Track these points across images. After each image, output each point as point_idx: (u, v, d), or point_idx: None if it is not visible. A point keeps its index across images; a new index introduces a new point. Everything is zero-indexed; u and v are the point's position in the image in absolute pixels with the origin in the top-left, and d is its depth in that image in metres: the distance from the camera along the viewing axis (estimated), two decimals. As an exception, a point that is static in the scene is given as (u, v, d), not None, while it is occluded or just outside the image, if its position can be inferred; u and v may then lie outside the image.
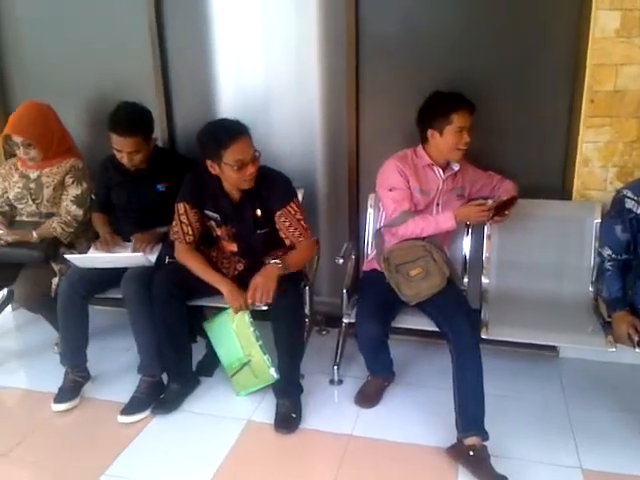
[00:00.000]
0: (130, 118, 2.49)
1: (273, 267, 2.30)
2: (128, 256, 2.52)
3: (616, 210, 2.30)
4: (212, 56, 2.96)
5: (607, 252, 2.31)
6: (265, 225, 2.41)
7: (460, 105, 2.32)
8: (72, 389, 2.50)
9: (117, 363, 2.81)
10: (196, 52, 2.96)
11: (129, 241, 2.61)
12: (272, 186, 2.36)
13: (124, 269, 2.51)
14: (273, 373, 2.43)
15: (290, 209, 2.36)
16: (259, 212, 2.37)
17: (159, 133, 3.00)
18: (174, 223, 2.42)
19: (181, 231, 2.40)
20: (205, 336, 2.59)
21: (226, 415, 2.42)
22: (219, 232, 2.45)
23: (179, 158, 2.84)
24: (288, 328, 2.34)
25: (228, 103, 3.01)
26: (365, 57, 2.74)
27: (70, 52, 3.12)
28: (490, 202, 2.33)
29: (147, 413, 2.41)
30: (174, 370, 2.51)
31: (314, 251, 2.51)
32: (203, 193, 2.38)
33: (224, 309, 2.43)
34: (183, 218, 2.39)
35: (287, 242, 2.41)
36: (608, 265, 2.30)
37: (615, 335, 2.16)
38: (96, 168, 2.81)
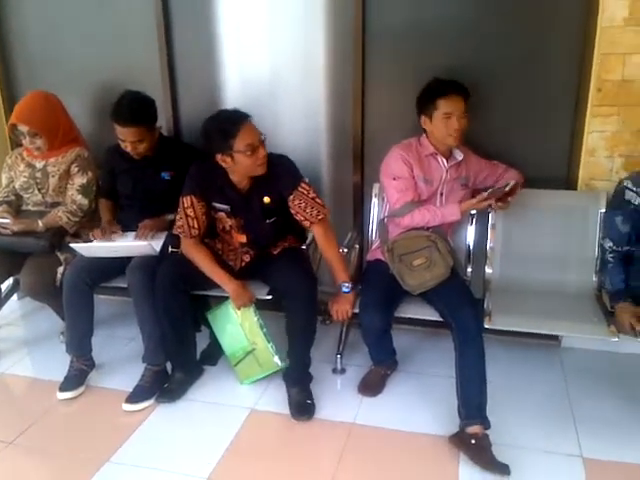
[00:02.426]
0: (132, 108, 2.48)
1: (348, 294, 2.34)
2: (133, 245, 2.53)
3: (617, 201, 2.30)
4: (218, 45, 2.95)
5: (608, 244, 2.31)
6: (274, 213, 2.41)
7: (447, 90, 2.31)
8: (77, 377, 2.53)
9: (122, 352, 2.83)
10: (202, 41, 2.95)
11: (135, 230, 2.60)
12: (278, 171, 2.34)
13: (129, 258, 2.52)
14: (277, 361, 2.46)
15: (302, 190, 2.34)
16: (267, 199, 2.36)
17: (164, 122, 3.00)
18: (178, 217, 2.40)
19: (186, 225, 2.38)
20: (209, 325, 2.61)
21: (230, 404, 2.44)
22: (230, 223, 2.44)
23: (185, 147, 2.84)
24: (303, 315, 2.35)
25: (234, 92, 3.00)
26: (372, 46, 2.73)
27: (74, 41, 3.12)
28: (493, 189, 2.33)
29: (151, 402, 2.43)
30: (178, 359, 2.53)
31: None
32: (210, 185, 2.36)
33: (227, 298, 2.44)
34: (189, 212, 2.37)
35: (307, 224, 2.38)
36: (609, 257, 2.30)
37: (618, 325, 2.16)
38: (102, 156, 2.81)
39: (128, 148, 2.55)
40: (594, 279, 2.48)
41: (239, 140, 2.17)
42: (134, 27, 3.01)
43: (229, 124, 2.19)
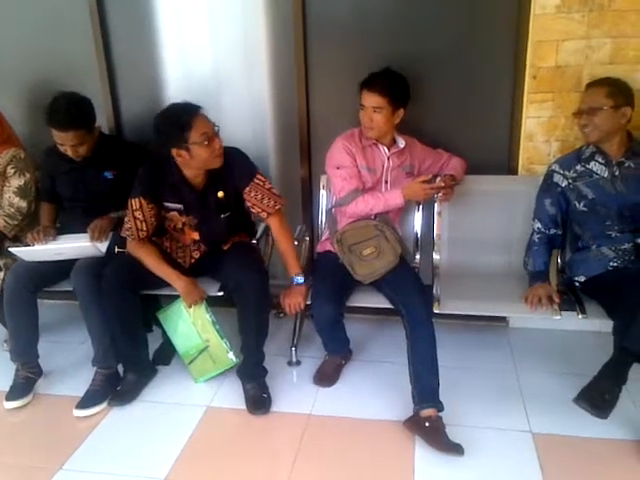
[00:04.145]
0: (69, 111, 2.38)
1: (298, 287, 2.37)
2: (77, 246, 2.45)
3: (546, 184, 2.39)
4: (157, 39, 2.89)
5: (537, 225, 2.41)
6: (228, 208, 2.38)
7: (366, 83, 2.35)
8: (24, 386, 2.45)
9: (71, 357, 2.76)
10: (140, 35, 2.89)
11: (79, 232, 2.52)
12: (232, 164, 2.30)
13: (73, 261, 2.45)
14: (232, 357, 2.45)
15: (258, 182, 2.33)
16: (221, 194, 2.33)
17: (105, 120, 2.94)
18: (126, 219, 2.33)
19: (135, 227, 2.31)
20: (160, 325, 2.57)
21: (185, 402, 2.41)
22: (183, 221, 2.38)
23: (126, 145, 2.79)
24: (255, 310, 2.33)
25: (176, 88, 2.95)
26: (313, 38, 2.73)
27: (4, 35, 3.00)
28: (438, 179, 2.38)
29: (104, 405, 2.38)
30: (130, 361, 2.48)
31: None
32: (161, 185, 2.30)
33: (177, 297, 2.41)
34: (138, 214, 2.30)
35: (264, 215, 2.37)
36: (536, 238, 2.40)
37: (529, 295, 2.26)
38: (40, 157, 2.72)
39: (68, 152, 2.47)
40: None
41: (194, 131, 2.12)
42: (68, 19, 2.90)
43: (183, 116, 2.13)
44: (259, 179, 2.34)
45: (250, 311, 2.34)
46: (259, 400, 2.36)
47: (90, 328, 2.43)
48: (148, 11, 2.85)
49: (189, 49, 2.91)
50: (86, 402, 2.36)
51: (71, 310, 2.93)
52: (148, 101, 2.97)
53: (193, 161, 2.19)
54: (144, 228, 2.32)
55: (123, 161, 2.51)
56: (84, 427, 2.28)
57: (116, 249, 2.46)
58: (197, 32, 2.87)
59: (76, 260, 2.45)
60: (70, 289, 2.44)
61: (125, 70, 2.97)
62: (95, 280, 2.35)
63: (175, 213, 2.36)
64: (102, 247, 2.45)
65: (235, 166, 2.31)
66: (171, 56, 2.92)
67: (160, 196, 2.32)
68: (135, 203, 2.29)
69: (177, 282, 2.34)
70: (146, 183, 2.29)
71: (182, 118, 2.12)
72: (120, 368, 2.50)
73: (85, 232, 2.48)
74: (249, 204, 2.36)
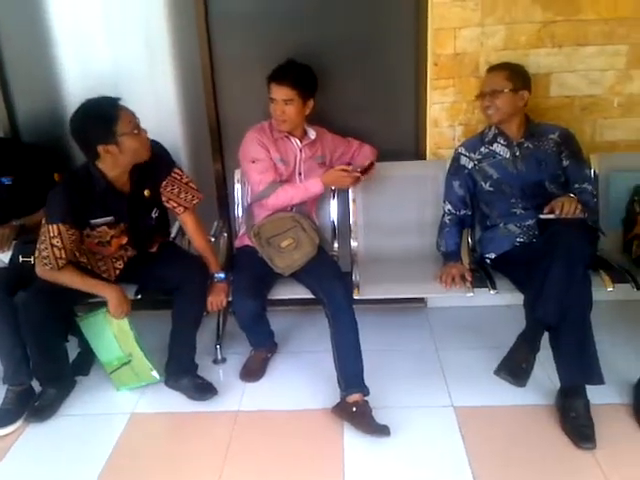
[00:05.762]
0: None
1: (220, 284, 2.38)
2: (-25, 259, 2.31)
3: (454, 167, 2.49)
4: (51, 36, 2.75)
5: (447, 207, 2.51)
6: (155, 205, 2.31)
7: (274, 76, 2.34)
8: None
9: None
10: (32, 32, 2.74)
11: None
12: (152, 159, 2.20)
13: (-27, 274, 2.30)
14: (155, 375, 2.40)
15: (175, 175, 2.28)
16: (147, 192, 2.25)
17: (-1, 123, 2.77)
18: (43, 247, 2.11)
19: (52, 256, 2.10)
20: (77, 334, 2.46)
21: (108, 412, 2.33)
22: (112, 233, 2.23)
23: (24, 147, 2.65)
24: (197, 305, 2.32)
25: (74, 86, 2.82)
26: (217, 33, 2.70)
27: None
28: (352, 167, 2.42)
29: (18, 424, 2.25)
30: (50, 376, 2.34)
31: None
32: (84, 204, 2.12)
33: (99, 305, 2.30)
34: (56, 241, 2.08)
35: (180, 210, 2.33)
36: (447, 220, 2.50)
37: (442, 275, 2.35)
38: None
39: None
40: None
41: (122, 122, 2.03)
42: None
43: (106, 109, 2.02)
44: (177, 173, 2.29)
45: (192, 307, 2.33)
46: (203, 386, 2.36)
47: (-3, 344, 2.28)
48: (40, 6, 2.70)
49: (86, 50, 2.78)
50: (-2, 422, 2.23)
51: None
52: (46, 102, 2.83)
53: (122, 156, 2.07)
54: (63, 256, 2.13)
55: (21, 165, 2.37)
56: (-2, 449, 2.15)
57: (20, 258, 2.31)
58: (94, 28, 2.74)
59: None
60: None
61: (18, 70, 2.81)
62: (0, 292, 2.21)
63: (104, 227, 2.20)
64: (5, 257, 2.32)
65: (155, 160, 2.22)
66: (67, 53, 2.79)
67: (84, 216, 2.15)
68: (53, 230, 2.08)
69: (108, 292, 2.22)
70: (65, 207, 2.09)
71: (105, 111, 2.02)
72: (34, 383, 2.37)
73: (-16, 243, 2.32)
74: (164, 199, 2.30)
